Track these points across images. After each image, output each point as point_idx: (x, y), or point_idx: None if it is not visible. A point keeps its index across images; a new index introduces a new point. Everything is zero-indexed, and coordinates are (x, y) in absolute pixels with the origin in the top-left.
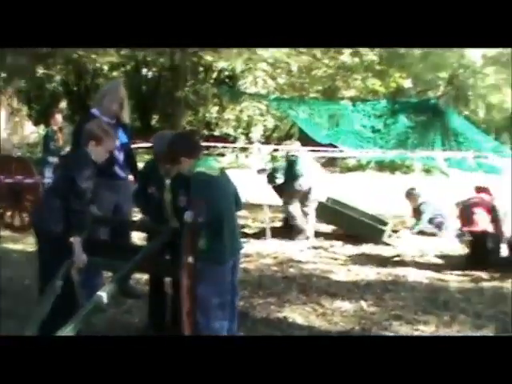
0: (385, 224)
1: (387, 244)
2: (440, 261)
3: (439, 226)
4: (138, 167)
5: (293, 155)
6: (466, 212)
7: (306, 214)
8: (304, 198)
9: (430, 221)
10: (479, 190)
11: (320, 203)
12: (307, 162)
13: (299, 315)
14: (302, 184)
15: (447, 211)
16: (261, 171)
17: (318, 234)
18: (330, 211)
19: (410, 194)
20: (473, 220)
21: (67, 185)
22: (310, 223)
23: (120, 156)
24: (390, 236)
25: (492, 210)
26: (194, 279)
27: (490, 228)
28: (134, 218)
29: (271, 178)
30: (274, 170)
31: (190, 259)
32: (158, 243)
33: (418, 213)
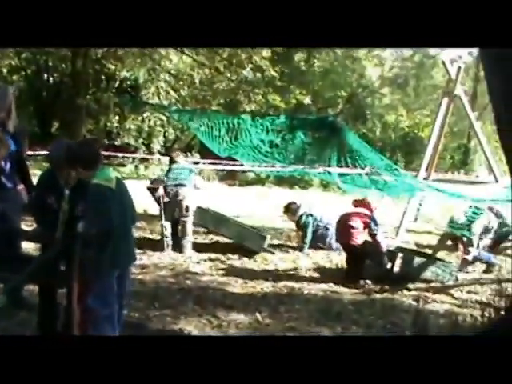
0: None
1: (268, 251)
2: (316, 274)
3: (323, 239)
4: (30, 176)
5: (174, 162)
6: (341, 225)
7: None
8: (179, 207)
9: (313, 233)
10: (357, 203)
11: (199, 208)
12: (186, 171)
13: (195, 327)
14: (179, 194)
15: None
16: (155, 181)
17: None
18: (211, 216)
19: (288, 209)
20: (346, 233)
21: None
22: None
23: (7, 165)
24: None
25: (369, 224)
26: (84, 290)
27: (365, 241)
28: (26, 228)
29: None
30: (155, 181)
31: (81, 270)
32: (52, 254)
33: (300, 227)
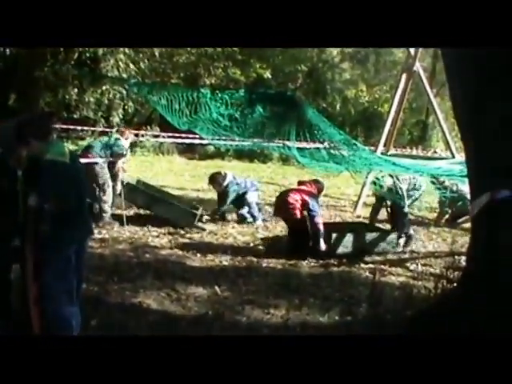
0: (196, 208)
1: (199, 228)
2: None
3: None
4: None
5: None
6: (278, 199)
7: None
8: (115, 178)
9: (238, 203)
10: (301, 183)
11: (127, 184)
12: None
13: (154, 301)
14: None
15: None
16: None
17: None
18: (139, 193)
19: (214, 179)
20: (282, 207)
21: None
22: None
23: None
24: (200, 220)
25: (307, 203)
26: (38, 266)
27: (302, 218)
28: None
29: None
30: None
31: (34, 246)
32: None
33: (222, 197)
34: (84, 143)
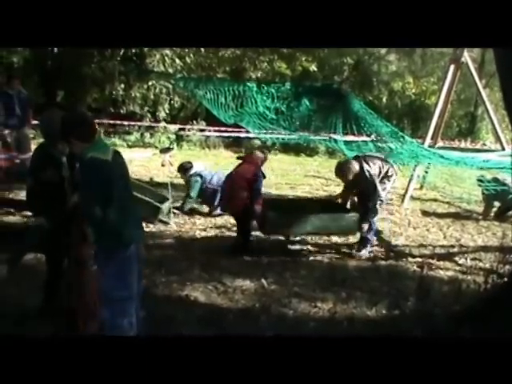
0: (163, 201)
1: (163, 222)
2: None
3: (209, 200)
4: None
5: None
6: (226, 190)
7: None
8: None
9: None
10: (244, 158)
11: None
12: None
13: (201, 293)
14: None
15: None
16: (164, 150)
17: None
18: None
19: (180, 167)
20: (230, 200)
21: None
22: None
23: None
24: (168, 213)
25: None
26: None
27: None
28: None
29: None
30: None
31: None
32: (50, 224)
33: (187, 187)
34: (131, 138)
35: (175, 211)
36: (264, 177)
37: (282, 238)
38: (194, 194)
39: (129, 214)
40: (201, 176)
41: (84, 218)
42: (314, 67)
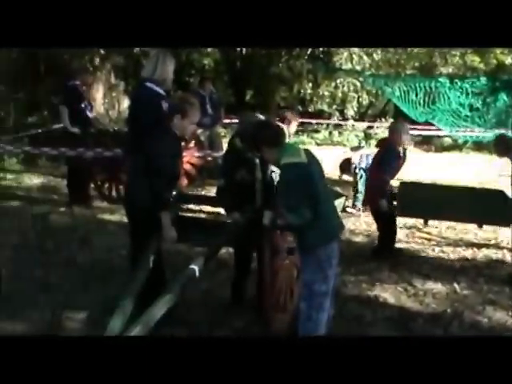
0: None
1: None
2: None
3: None
4: None
5: None
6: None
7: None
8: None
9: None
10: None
11: None
12: None
13: (390, 294)
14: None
15: None
16: (355, 148)
17: None
18: None
19: (345, 166)
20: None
21: (148, 161)
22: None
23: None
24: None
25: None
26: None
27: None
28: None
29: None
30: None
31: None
32: (245, 220)
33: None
34: (319, 136)
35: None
36: (399, 157)
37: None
38: (361, 187)
39: (330, 211)
40: (363, 169)
41: (286, 217)
42: (510, 60)
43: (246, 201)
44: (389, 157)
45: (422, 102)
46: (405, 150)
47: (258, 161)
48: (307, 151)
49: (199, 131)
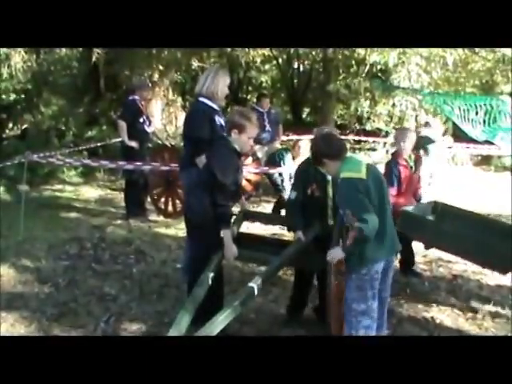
0: None
1: None
2: None
3: None
4: None
5: None
6: None
7: None
8: None
9: None
10: None
11: None
12: None
13: (448, 317)
14: None
15: None
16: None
17: None
18: None
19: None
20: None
21: (210, 178)
22: None
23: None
24: None
25: None
26: (341, 281)
27: None
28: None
29: None
30: None
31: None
32: (309, 239)
33: None
34: (376, 154)
35: None
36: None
37: None
38: None
39: (386, 229)
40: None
41: (359, 228)
42: None
43: (316, 217)
44: (389, 168)
45: (482, 120)
46: (416, 160)
47: (330, 177)
48: (369, 166)
49: (257, 147)
